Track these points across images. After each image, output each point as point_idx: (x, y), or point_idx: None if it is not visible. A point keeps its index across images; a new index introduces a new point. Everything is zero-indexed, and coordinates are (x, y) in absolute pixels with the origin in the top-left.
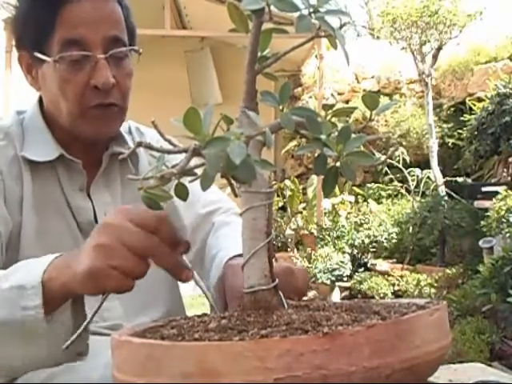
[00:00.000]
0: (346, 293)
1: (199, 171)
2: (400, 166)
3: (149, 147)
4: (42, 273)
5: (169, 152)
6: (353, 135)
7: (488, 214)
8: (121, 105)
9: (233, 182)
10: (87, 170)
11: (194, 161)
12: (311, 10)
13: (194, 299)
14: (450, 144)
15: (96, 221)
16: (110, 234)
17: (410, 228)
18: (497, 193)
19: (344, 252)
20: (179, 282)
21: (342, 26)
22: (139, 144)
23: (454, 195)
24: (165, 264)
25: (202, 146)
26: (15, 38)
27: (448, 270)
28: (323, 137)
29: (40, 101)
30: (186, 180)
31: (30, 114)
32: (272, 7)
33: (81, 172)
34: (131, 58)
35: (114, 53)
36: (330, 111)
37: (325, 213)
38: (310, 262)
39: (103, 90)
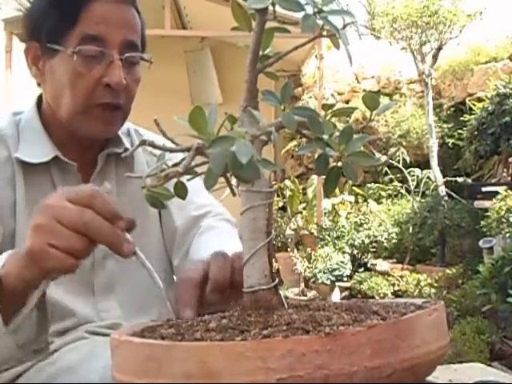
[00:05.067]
0: (346, 293)
1: (199, 170)
2: (400, 166)
3: (152, 145)
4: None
5: (172, 150)
6: (354, 135)
7: (488, 213)
8: (125, 109)
9: (231, 181)
10: (82, 170)
11: (195, 160)
12: (316, 9)
13: None
14: (450, 144)
15: None
16: (46, 213)
17: (410, 228)
18: (497, 193)
19: (344, 252)
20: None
21: (345, 26)
22: (143, 142)
23: (454, 195)
24: (103, 237)
25: (207, 144)
26: (28, 27)
27: (448, 270)
28: (325, 137)
29: (38, 102)
30: (183, 179)
31: (27, 115)
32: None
33: (75, 174)
34: (140, 66)
35: (128, 56)
36: (330, 111)
37: (325, 213)
38: (309, 262)
39: (114, 90)
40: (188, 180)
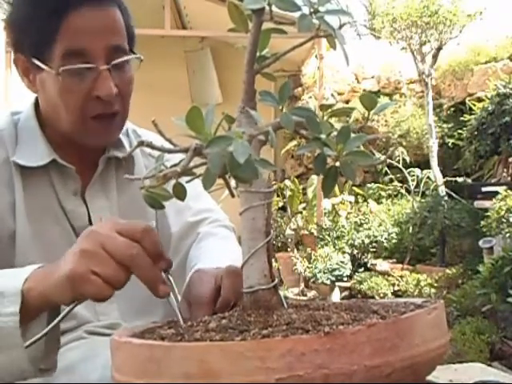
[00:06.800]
0: (346, 293)
1: (197, 171)
2: (400, 166)
3: (150, 146)
4: (22, 281)
5: (170, 151)
6: (352, 135)
7: (488, 213)
8: (123, 112)
9: (230, 182)
10: (82, 173)
11: (194, 161)
12: (312, 9)
13: None
14: (450, 144)
15: (91, 225)
16: (93, 240)
17: (410, 228)
18: (497, 193)
19: (344, 252)
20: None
21: (341, 26)
22: (141, 143)
23: (454, 195)
24: (144, 275)
25: (205, 145)
26: (12, 40)
27: (448, 270)
28: (323, 136)
29: (36, 102)
30: (182, 180)
31: (25, 116)
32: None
33: (74, 177)
34: (132, 63)
35: (116, 62)
36: (328, 111)
37: (325, 213)
38: (309, 262)
39: (106, 100)
40: (187, 182)
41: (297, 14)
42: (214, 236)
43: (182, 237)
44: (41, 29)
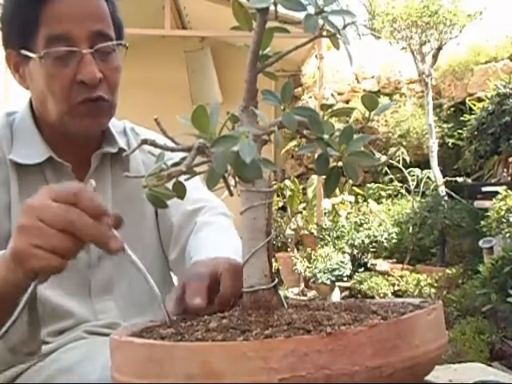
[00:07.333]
0: (346, 293)
1: (198, 169)
2: (400, 166)
3: (153, 144)
4: None
5: (173, 150)
6: (355, 135)
7: (488, 213)
8: (109, 99)
9: (229, 181)
10: (77, 170)
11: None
12: (317, 9)
13: None
14: (449, 144)
15: None
16: (29, 213)
17: (410, 228)
18: (497, 193)
19: (344, 252)
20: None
21: (345, 26)
22: (145, 141)
23: (454, 195)
24: (89, 235)
25: (210, 144)
26: (2, 36)
27: (448, 270)
28: (326, 136)
29: (31, 101)
30: (181, 178)
31: (21, 115)
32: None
33: (70, 175)
34: (119, 52)
35: (99, 47)
36: (329, 111)
37: (325, 213)
38: (310, 262)
39: (90, 85)
40: (186, 180)
41: (302, 14)
42: (210, 226)
43: (182, 226)
44: (24, 18)
